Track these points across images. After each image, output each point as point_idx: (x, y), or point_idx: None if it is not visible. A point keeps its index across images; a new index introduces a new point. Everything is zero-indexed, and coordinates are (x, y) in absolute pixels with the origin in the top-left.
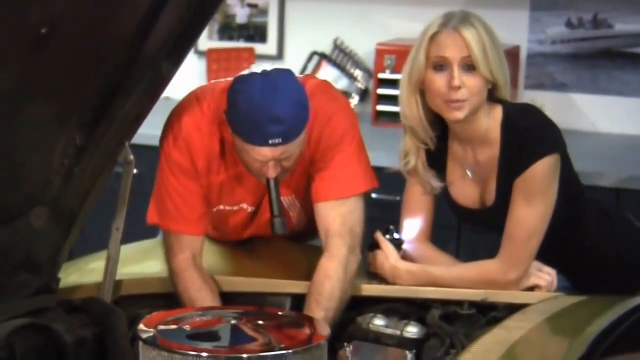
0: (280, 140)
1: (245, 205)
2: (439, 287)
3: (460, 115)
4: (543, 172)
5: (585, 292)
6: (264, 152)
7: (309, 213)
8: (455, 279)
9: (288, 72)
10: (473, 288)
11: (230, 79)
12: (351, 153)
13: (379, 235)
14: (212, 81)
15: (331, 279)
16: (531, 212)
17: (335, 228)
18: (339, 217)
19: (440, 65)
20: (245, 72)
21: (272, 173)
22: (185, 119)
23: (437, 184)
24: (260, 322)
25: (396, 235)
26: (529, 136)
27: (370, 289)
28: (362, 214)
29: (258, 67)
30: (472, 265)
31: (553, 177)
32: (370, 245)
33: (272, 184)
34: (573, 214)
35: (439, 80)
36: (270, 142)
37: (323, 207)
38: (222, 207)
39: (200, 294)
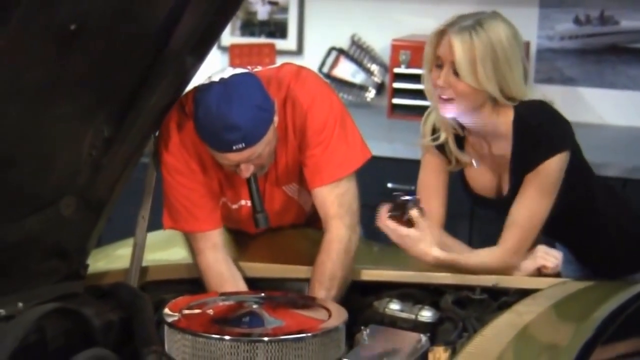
0: (243, 145)
1: (244, 202)
2: (463, 273)
3: (447, 113)
4: (555, 168)
5: (596, 272)
6: (230, 157)
7: None
8: (479, 267)
9: (245, 77)
10: (491, 273)
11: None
12: (337, 135)
13: (414, 213)
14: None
15: (332, 259)
16: (542, 204)
17: (333, 210)
18: (335, 200)
19: (440, 60)
20: (205, 82)
21: (245, 174)
22: (172, 123)
23: (465, 159)
24: (281, 307)
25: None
26: (540, 133)
27: (386, 275)
28: (356, 189)
29: (281, 60)
30: (486, 252)
31: (562, 172)
32: (392, 206)
33: (251, 181)
34: (585, 193)
35: (435, 75)
36: (234, 147)
37: (319, 192)
38: (224, 200)
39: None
